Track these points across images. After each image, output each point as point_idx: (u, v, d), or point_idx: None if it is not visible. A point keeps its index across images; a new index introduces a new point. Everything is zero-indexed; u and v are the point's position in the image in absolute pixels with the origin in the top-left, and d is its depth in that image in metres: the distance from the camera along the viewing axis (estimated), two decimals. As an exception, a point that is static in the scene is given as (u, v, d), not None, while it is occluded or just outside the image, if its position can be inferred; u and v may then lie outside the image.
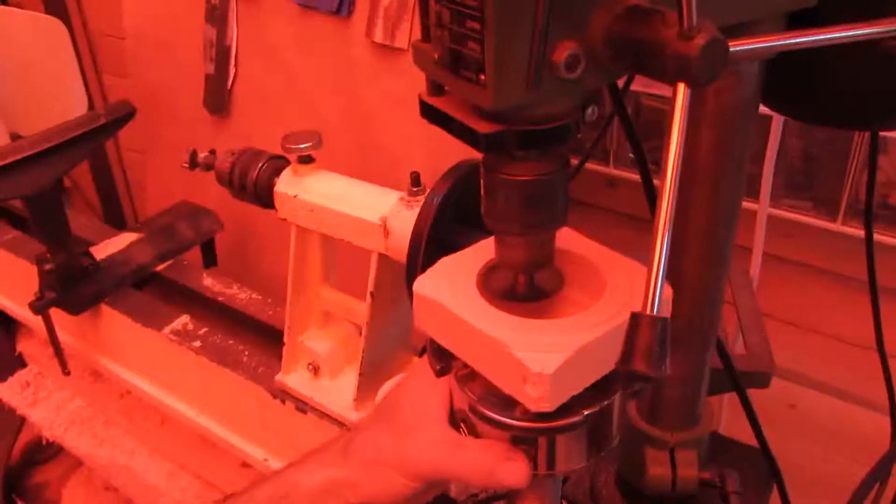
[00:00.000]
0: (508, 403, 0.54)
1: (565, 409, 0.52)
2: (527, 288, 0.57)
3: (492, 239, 0.61)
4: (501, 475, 0.55)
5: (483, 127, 0.46)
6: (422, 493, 0.62)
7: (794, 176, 1.35)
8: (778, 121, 1.25)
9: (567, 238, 0.60)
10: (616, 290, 0.55)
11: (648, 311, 0.40)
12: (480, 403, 0.56)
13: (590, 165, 1.53)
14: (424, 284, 0.58)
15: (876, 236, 0.99)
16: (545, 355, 0.49)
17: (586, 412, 0.54)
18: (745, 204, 1.32)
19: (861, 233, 0.79)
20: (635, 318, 0.40)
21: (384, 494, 0.61)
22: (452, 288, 0.57)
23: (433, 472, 0.59)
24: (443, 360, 0.58)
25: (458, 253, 0.61)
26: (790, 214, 1.37)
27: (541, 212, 0.51)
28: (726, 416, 1.46)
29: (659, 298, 0.40)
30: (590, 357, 0.51)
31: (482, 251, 0.60)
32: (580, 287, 0.59)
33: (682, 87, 0.40)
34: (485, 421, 0.56)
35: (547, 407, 0.51)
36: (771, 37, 0.43)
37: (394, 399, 0.65)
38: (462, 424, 0.59)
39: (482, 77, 0.42)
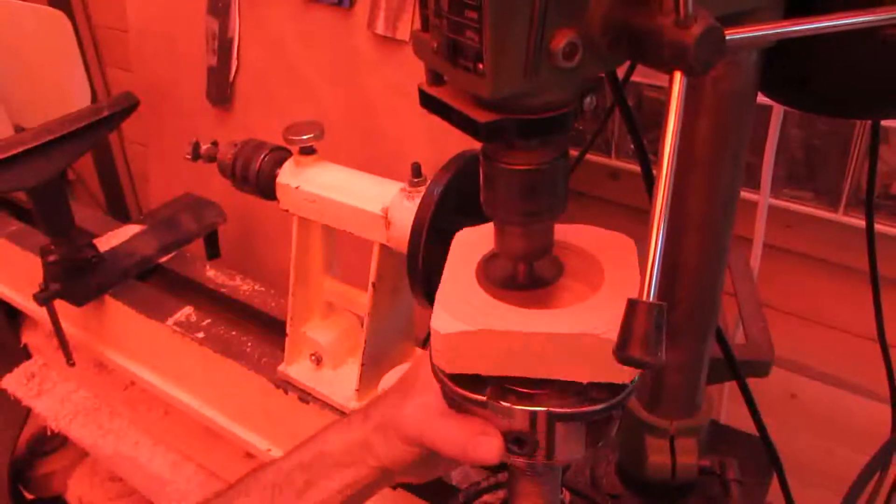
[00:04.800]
0: (575, 395, 0.54)
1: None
2: (529, 277, 0.57)
3: (458, 246, 0.62)
4: (473, 450, 0.56)
5: (482, 116, 0.46)
6: (424, 462, 0.63)
7: (796, 166, 1.35)
8: (778, 111, 1.25)
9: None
10: (613, 265, 0.56)
11: (645, 298, 0.41)
12: (556, 406, 0.54)
13: (592, 157, 1.53)
14: (449, 321, 0.54)
15: (877, 226, 0.99)
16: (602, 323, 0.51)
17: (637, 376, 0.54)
18: (745, 194, 1.33)
19: (862, 223, 0.79)
20: (632, 305, 0.41)
21: (392, 458, 0.63)
22: (481, 311, 0.54)
23: (417, 436, 0.60)
24: (481, 390, 0.55)
25: (444, 279, 0.59)
26: (791, 205, 1.37)
27: (540, 201, 0.51)
28: (728, 406, 1.46)
29: (655, 285, 0.41)
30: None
31: (461, 265, 0.60)
32: (573, 270, 0.59)
33: (678, 76, 0.40)
34: (570, 420, 0.54)
35: (638, 373, 0.53)
36: (767, 25, 0.43)
37: (413, 369, 0.67)
38: (513, 446, 0.56)
39: (480, 66, 0.43)
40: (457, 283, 0.58)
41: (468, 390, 0.56)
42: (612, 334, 0.49)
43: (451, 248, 0.62)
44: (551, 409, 0.54)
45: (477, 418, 0.57)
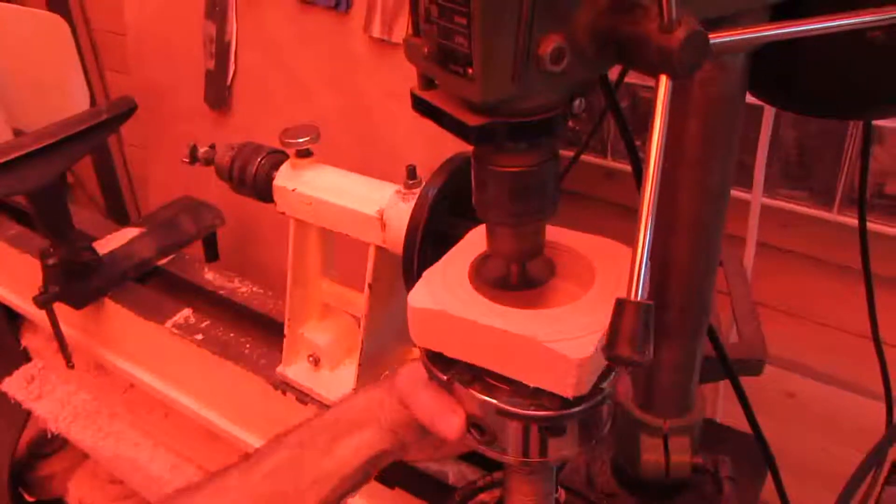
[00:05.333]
0: (530, 396, 0.55)
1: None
2: (520, 278, 0.58)
3: (468, 240, 0.63)
4: (438, 425, 0.59)
5: (472, 119, 0.47)
6: (420, 430, 0.64)
7: (790, 166, 1.35)
8: (770, 111, 1.25)
9: (550, 231, 0.61)
10: (607, 273, 0.57)
11: (633, 298, 0.41)
12: (506, 403, 0.55)
13: (588, 158, 1.54)
14: (421, 297, 0.57)
15: (871, 225, 1.00)
16: (576, 342, 0.51)
17: (606, 387, 0.55)
18: (739, 194, 1.34)
19: (857, 222, 0.80)
20: (620, 304, 0.42)
21: (393, 418, 0.65)
22: (452, 295, 0.57)
23: (403, 399, 0.63)
24: (447, 370, 0.58)
25: (441, 261, 0.62)
26: (786, 204, 1.37)
27: (530, 202, 0.52)
28: (724, 405, 1.47)
29: (643, 285, 0.41)
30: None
31: (462, 254, 0.61)
32: (568, 275, 0.60)
33: (664, 79, 0.41)
34: (514, 419, 0.56)
35: (584, 390, 0.52)
36: (751, 28, 0.44)
37: None
38: (474, 430, 0.59)
39: (470, 71, 0.43)
40: (448, 268, 0.60)
41: (441, 367, 0.58)
42: (555, 344, 0.50)
43: (463, 240, 0.63)
44: (501, 403, 0.55)
45: (450, 396, 0.59)
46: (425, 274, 0.60)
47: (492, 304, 0.56)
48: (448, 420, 0.58)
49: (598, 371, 0.54)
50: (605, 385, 0.55)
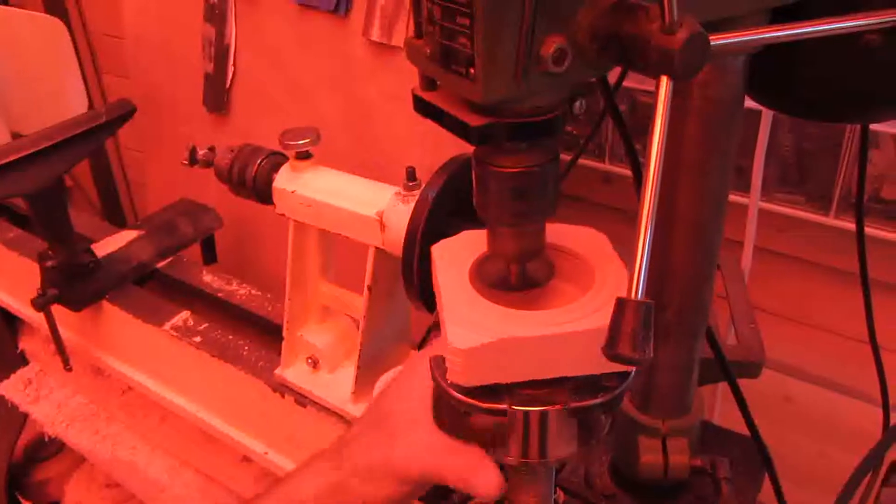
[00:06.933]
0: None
1: (493, 394, 0.54)
2: (516, 277, 0.58)
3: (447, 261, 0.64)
4: (475, 483, 0.59)
5: (474, 120, 0.47)
6: (411, 495, 0.64)
7: (787, 170, 1.36)
8: (767, 115, 1.26)
9: (594, 242, 0.61)
10: (594, 299, 0.56)
11: (633, 297, 0.42)
12: (434, 359, 0.58)
13: (585, 161, 1.54)
14: (439, 247, 0.62)
15: (868, 230, 1.01)
16: (469, 334, 0.52)
17: (515, 407, 0.54)
18: (736, 197, 1.34)
19: (854, 226, 0.81)
20: (620, 304, 0.42)
21: (377, 498, 0.63)
22: (453, 257, 0.60)
23: (420, 475, 0.62)
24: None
25: (469, 233, 0.64)
26: (783, 208, 1.38)
27: (530, 202, 0.52)
28: (722, 408, 1.47)
29: (643, 285, 0.42)
30: (525, 352, 0.52)
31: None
32: (571, 282, 0.60)
33: (664, 80, 0.41)
34: (434, 379, 0.58)
35: (460, 380, 0.53)
36: (751, 31, 0.44)
37: (383, 404, 0.67)
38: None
39: (472, 71, 0.44)
40: (470, 238, 0.63)
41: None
42: (451, 325, 0.53)
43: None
44: (432, 363, 0.57)
45: (475, 450, 0.59)
46: (465, 232, 0.63)
47: (464, 277, 0.58)
48: (483, 476, 0.59)
49: (494, 377, 0.53)
50: (516, 406, 0.54)
